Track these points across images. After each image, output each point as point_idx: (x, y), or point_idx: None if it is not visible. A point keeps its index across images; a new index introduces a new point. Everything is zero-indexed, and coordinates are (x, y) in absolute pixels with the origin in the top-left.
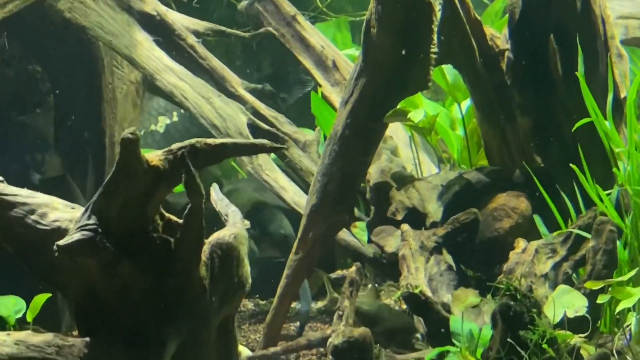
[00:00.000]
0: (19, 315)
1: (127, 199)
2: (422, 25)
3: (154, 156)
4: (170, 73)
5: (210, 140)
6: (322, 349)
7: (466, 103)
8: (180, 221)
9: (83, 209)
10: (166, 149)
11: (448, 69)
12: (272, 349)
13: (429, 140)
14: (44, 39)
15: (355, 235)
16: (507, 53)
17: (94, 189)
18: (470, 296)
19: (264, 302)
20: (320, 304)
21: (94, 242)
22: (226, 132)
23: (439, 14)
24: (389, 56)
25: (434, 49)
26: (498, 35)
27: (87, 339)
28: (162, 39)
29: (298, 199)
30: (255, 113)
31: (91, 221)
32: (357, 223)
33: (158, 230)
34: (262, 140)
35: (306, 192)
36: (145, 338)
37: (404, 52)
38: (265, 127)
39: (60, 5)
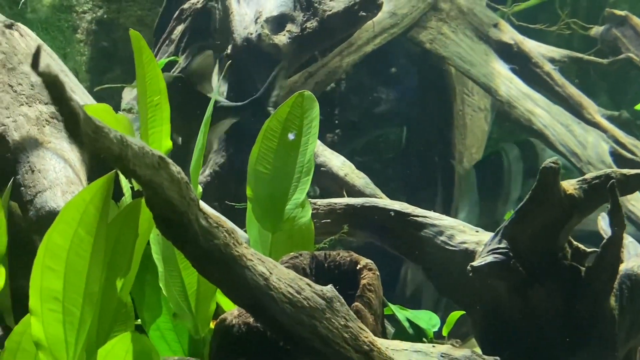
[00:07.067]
0: (435, 329)
1: (540, 225)
2: None
3: (569, 185)
4: (528, 100)
5: (625, 171)
6: None
7: None
8: (589, 249)
9: (489, 233)
10: (580, 178)
11: None
12: None
13: None
14: (395, 67)
15: None
16: None
17: (441, 210)
18: None
19: None
20: None
21: (506, 265)
22: (587, 161)
23: None
24: None
25: None
26: None
27: (497, 358)
28: (518, 67)
29: None
30: (615, 141)
31: (502, 245)
32: None
33: (567, 258)
34: None
35: None
36: None
37: None
38: (629, 155)
39: (422, 37)
